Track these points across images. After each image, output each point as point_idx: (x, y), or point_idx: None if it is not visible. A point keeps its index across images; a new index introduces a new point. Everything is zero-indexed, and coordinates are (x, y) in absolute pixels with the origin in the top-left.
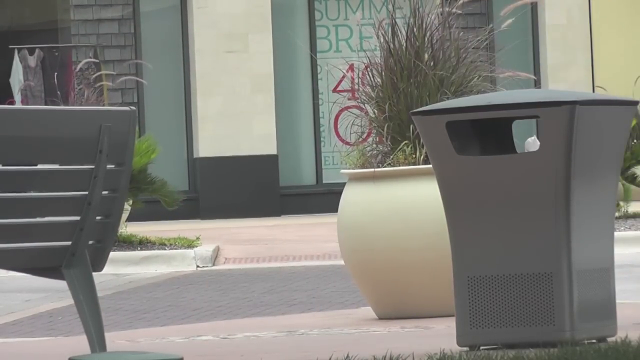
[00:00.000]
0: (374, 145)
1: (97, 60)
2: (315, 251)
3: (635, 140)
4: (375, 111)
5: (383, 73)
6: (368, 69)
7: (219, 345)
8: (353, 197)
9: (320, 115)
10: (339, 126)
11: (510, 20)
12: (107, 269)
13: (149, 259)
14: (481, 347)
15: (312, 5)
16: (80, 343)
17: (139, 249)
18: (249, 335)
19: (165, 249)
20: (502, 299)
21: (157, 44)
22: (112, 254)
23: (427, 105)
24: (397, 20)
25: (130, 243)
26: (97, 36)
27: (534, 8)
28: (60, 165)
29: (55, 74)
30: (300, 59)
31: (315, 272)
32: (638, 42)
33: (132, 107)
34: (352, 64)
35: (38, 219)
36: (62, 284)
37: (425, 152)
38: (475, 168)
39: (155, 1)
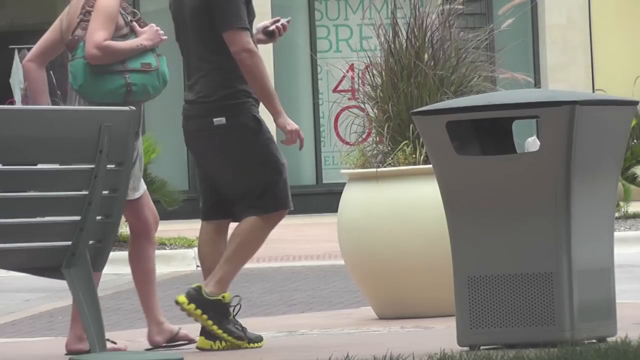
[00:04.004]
0: (374, 145)
1: None
2: (315, 251)
3: (635, 140)
4: (375, 111)
5: (383, 73)
6: (368, 69)
7: None
8: (353, 197)
9: (320, 115)
10: (339, 126)
11: (510, 20)
12: (107, 269)
13: None
14: (481, 347)
15: (312, 5)
16: None
17: None
18: None
19: (165, 249)
20: (502, 299)
21: None
22: (112, 254)
23: (427, 105)
24: (397, 20)
25: None
26: None
27: (534, 8)
28: (60, 165)
29: (54, 73)
30: (300, 59)
31: (315, 272)
32: (638, 42)
33: (132, 107)
34: (352, 64)
35: (38, 219)
36: (62, 284)
37: (425, 152)
38: (475, 168)
39: (155, 1)
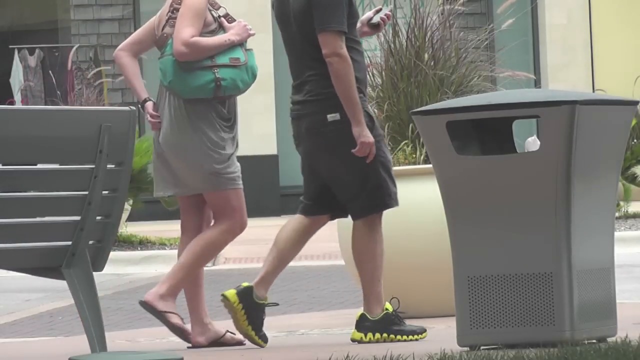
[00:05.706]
0: None
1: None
2: (315, 251)
3: (635, 140)
4: (375, 111)
5: (383, 73)
6: (368, 69)
7: None
8: None
9: None
10: None
11: (510, 21)
12: (107, 269)
13: (149, 259)
14: (481, 347)
15: None
16: (80, 343)
17: (139, 249)
18: None
19: (165, 249)
20: (502, 299)
21: None
22: (112, 254)
23: (427, 105)
24: (397, 20)
25: (130, 243)
26: (97, 36)
27: (534, 8)
28: (60, 165)
29: (54, 73)
30: None
31: (315, 272)
32: (638, 42)
33: (132, 107)
34: None
35: (38, 219)
36: (62, 284)
37: (425, 152)
38: (475, 168)
39: (155, 1)
